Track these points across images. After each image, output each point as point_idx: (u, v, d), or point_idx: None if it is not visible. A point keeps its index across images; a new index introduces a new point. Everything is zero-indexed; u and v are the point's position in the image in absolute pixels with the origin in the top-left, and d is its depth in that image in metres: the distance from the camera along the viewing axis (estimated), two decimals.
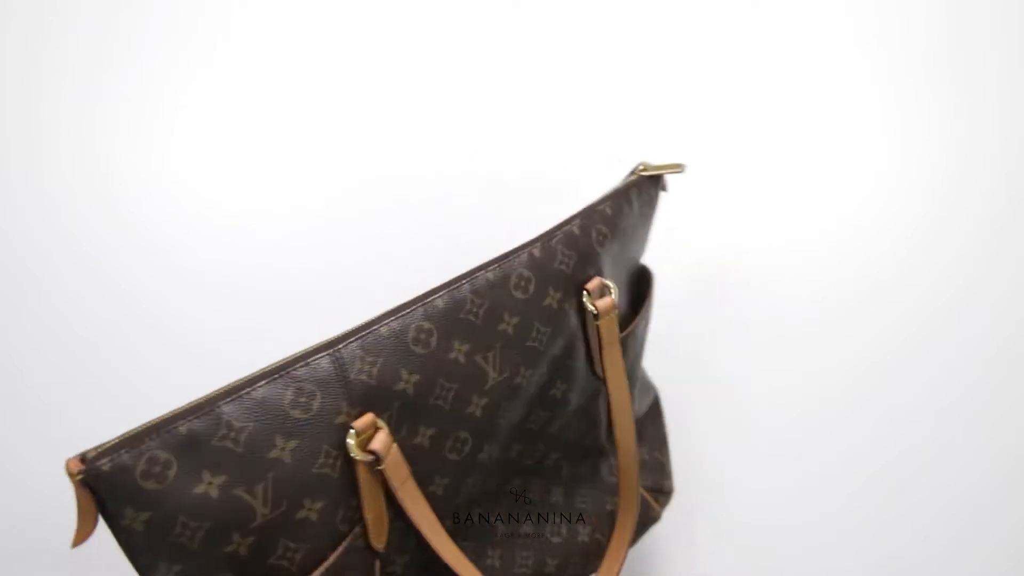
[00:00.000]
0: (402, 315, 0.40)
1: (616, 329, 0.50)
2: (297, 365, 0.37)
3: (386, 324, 0.40)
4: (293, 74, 0.81)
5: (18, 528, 0.74)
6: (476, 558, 0.50)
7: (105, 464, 0.32)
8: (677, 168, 0.55)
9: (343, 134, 0.79)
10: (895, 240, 0.78)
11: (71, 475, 0.32)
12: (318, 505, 0.38)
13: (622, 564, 0.56)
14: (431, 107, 0.80)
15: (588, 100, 0.81)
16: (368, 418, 0.39)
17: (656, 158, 0.76)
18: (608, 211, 0.51)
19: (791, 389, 0.76)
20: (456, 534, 0.48)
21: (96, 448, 0.33)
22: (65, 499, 0.73)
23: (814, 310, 0.78)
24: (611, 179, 0.79)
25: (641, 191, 0.55)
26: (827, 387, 0.77)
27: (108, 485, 0.32)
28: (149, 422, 0.34)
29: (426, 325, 0.41)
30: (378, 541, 0.41)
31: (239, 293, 0.77)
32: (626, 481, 0.55)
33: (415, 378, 0.41)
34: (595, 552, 0.57)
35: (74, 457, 0.33)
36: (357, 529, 0.40)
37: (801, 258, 0.78)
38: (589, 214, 0.50)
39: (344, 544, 0.40)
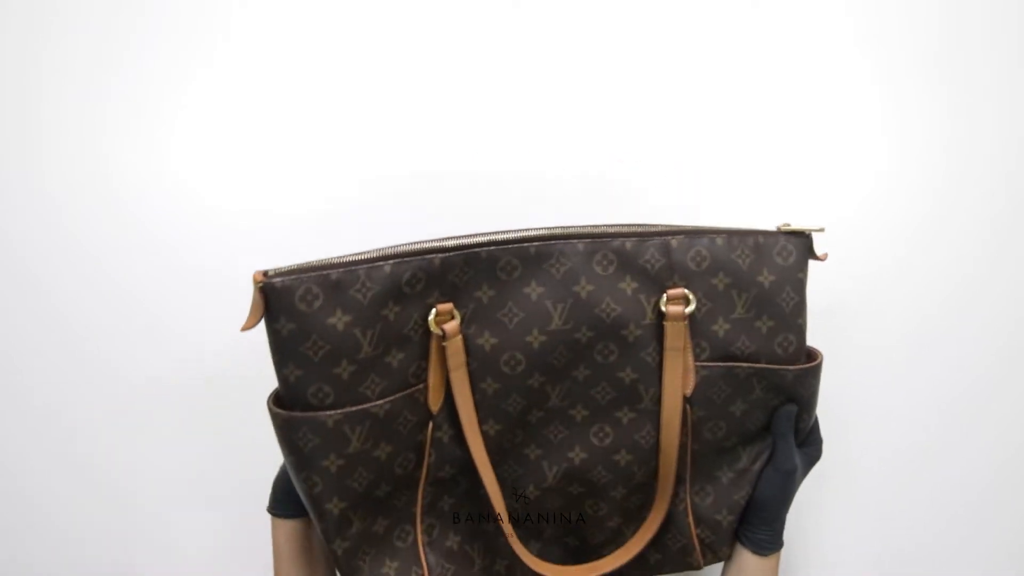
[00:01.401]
0: (501, 246, 0.53)
1: (682, 337, 0.55)
2: (417, 258, 0.50)
3: (486, 249, 0.52)
4: (294, 74, 0.81)
5: (17, 530, 0.74)
6: (501, 469, 0.57)
7: (278, 282, 0.46)
8: (817, 229, 0.58)
9: (343, 134, 0.79)
10: (895, 240, 0.78)
11: (255, 281, 0.46)
12: (400, 356, 0.52)
13: (632, 559, 0.58)
14: (431, 107, 0.80)
15: (587, 99, 0.81)
16: (448, 306, 0.52)
17: (682, 166, 0.76)
18: (719, 241, 0.56)
19: None
20: (501, 448, 0.56)
21: (275, 270, 0.47)
22: (63, 503, 0.73)
23: (813, 309, 0.77)
24: (609, 179, 0.79)
25: (772, 242, 0.58)
26: (826, 387, 0.77)
27: (276, 296, 0.47)
28: (312, 263, 0.48)
29: (515, 261, 0.53)
30: (434, 404, 0.54)
31: (238, 292, 0.77)
32: (663, 481, 0.58)
33: (491, 293, 0.53)
34: (613, 540, 0.60)
35: (259, 271, 0.47)
36: (421, 386, 0.53)
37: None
38: (696, 235, 0.56)
39: (409, 390, 0.52)
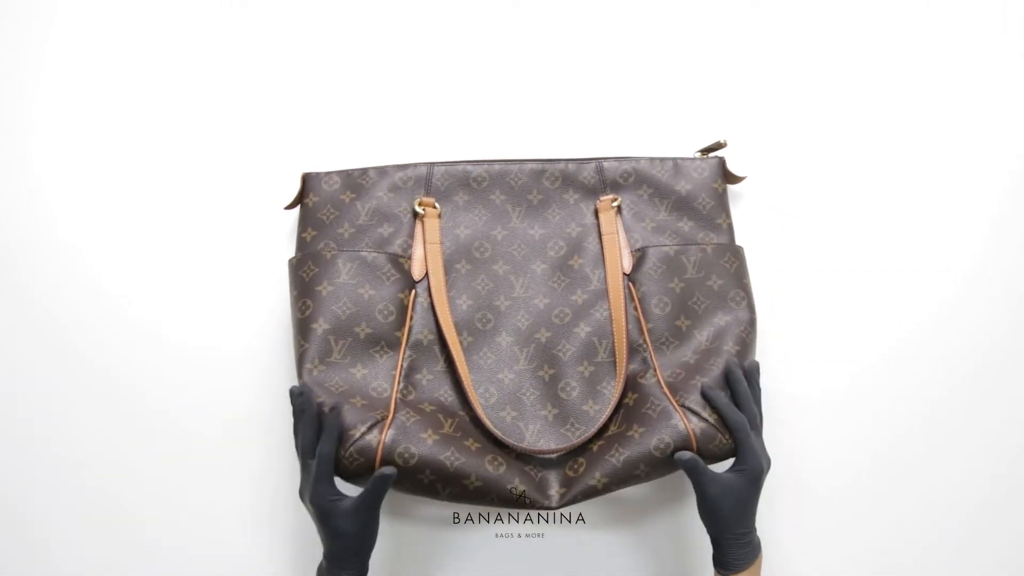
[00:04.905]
0: (473, 163, 0.72)
1: (613, 224, 0.70)
2: (412, 167, 0.72)
3: (463, 166, 0.72)
4: (294, 75, 0.81)
5: (17, 533, 0.74)
6: (478, 356, 0.67)
7: (313, 173, 0.71)
8: (723, 145, 0.73)
9: (342, 133, 0.80)
10: (895, 241, 0.78)
11: (301, 176, 0.72)
12: (391, 229, 0.70)
13: (619, 437, 0.61)
14: (428, 106, 0.80)
15: (584, 99, 0.81)
16: (430, 200, 0.71)
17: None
18: (643, 163, 0.72)
19: (789, 386, 0.75)
20: (474, 327, 0.67)
21: (316, 172, 0.71)
22: (61, 509, 0.73)
23: (804, 312, 0.77)
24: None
25: (688, 161, 0.73)
26: (819, 389, 0.76)
27: (310, 180, 0.71)
28: (339, 170, 0.72)
29: (484, 175, 0.72)
30: (416, 273, 0.69)
31: (237, 293, 0.77)
32: (618, 346, 0.65)
33: (466, 197, 0.72)
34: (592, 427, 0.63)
35: (305, 172, 0.71)
36: (407, 256, 0.69)
37: (801, 259, 0.78)
38: (625, 159, 0.73)
39: (395, 256, 0.68)
